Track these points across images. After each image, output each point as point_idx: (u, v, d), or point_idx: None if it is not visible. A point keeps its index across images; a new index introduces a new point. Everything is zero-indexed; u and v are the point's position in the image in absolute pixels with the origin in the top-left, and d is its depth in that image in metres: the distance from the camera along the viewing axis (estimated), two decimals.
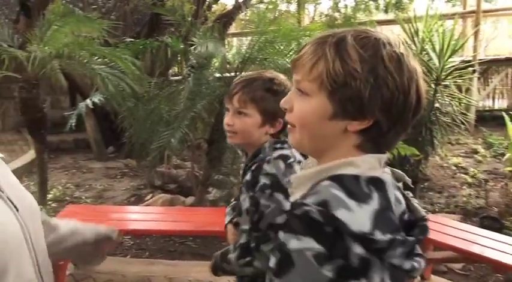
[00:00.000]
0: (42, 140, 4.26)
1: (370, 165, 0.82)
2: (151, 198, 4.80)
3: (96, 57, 4.13)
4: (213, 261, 1.60)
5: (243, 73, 4.09)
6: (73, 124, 4.37)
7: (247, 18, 7.96)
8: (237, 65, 4.08)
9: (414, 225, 0.84)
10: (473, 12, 8.24)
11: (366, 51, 0.78)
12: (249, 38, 4.60)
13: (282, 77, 1.51)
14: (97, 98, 4.50)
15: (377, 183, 0.80)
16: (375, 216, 0.75)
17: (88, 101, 4.52)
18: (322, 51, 0.80)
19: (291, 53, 4.00)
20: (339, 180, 0.79)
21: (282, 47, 4.00)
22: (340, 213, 0.73)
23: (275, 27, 4.04)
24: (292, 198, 0.86)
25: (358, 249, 0.71)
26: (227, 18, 6.04)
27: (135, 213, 3.54)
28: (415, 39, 5.03)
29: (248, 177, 1.47)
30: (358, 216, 0.73)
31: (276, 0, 6.80)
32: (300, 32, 4.09)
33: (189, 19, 4.98)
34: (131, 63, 4.22)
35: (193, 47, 3.69)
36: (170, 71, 7.03)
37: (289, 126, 0.89)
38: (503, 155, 6.16)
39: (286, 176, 1.41)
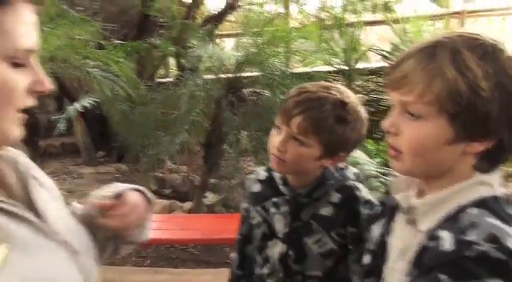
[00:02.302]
0: (35, 146, 4.14)
1: (499, 180, 0.75)
2: None
3: (89, 60, 4.02)
4: None
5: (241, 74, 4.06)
6: (62, 128, 4.27)
7: (233, 20, 7.91)
8: (234, 67, 4.03)
9: None
10: (457, 13, 8.36)
11: (486, 62, 0.69)
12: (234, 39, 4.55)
13: (353, 97, 1.20)
14: (87, 102, 4.41)
15: (510, 200, 0.74)
16: None
17: (77, 105, 4.42)
18: (436, 68, 0.70)
19: (289, 55, 3.97)
20: (484, 205, 0.71)
21: (280, 50, 3.96)
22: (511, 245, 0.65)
23: (273, 28, 3.98)
24: (423, 227, 0.76)
25: None
26: (218, 19, 5.95)
27: None
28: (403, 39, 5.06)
29: (326, 212, 1.21)
30: None
31: (264, 2, 6.76)
32: (298, 33, 4.05)
33: (181, 21, 4.89)
34: (125, 66, 4.14)
35: (192, 50, 3.62)
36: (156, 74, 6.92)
37: (392, 151, 0.78)
38: None
39: None
